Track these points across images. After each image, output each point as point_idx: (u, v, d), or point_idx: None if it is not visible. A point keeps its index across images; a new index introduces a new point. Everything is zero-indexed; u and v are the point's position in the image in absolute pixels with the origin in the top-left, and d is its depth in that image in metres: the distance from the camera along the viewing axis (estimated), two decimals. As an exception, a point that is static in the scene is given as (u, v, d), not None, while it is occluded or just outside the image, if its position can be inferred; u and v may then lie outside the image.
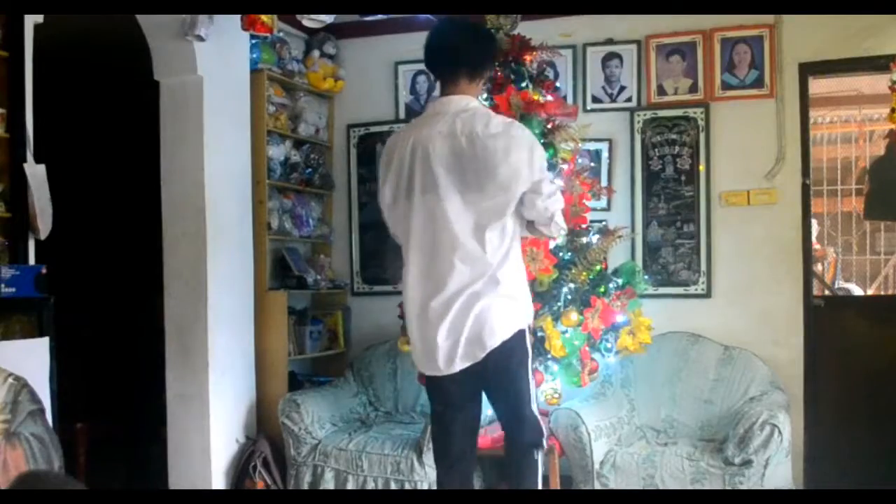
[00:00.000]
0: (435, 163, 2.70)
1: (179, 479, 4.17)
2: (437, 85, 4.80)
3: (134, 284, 5.27)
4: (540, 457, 2.87)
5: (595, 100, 4.71)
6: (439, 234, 2.72)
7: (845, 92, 5.98)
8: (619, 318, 3.83)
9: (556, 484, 3.87)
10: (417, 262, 2.79)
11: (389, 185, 2.85)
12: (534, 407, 2.86)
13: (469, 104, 2.77)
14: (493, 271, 2.70)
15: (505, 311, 2.72)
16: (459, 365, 2.73)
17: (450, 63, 2.81)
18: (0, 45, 3.23)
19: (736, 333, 4.37)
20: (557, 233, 2.93)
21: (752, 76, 4.46)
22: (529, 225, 2.84)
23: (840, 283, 6.50)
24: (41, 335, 3.16)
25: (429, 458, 3.98)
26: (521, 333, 2.78)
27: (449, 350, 2.72)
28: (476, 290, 2.69)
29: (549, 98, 3.93)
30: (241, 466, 4.25)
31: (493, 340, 2.70)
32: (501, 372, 2.77)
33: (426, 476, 3.98)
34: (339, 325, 5.05)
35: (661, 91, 4.62)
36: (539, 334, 3.66)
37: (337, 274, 5.12)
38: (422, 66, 4.93)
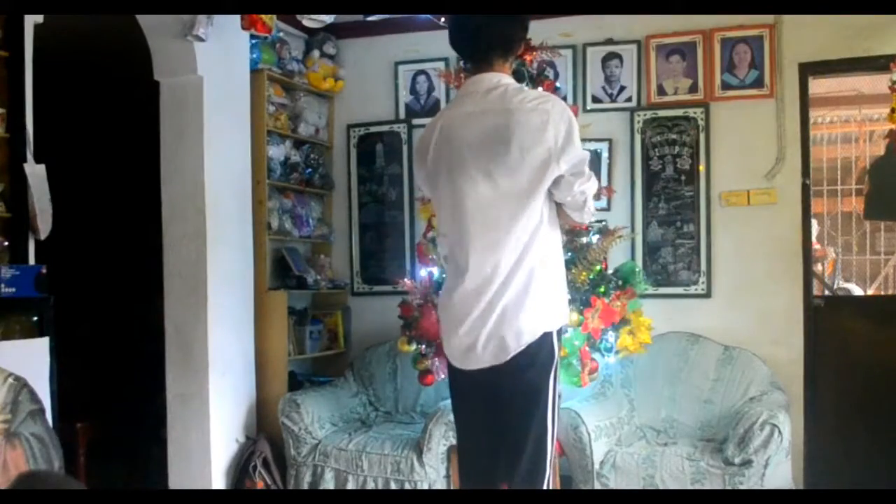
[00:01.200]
0: (461, 145, 2.49)
1: (179, 479, 4.17)
2: (440, 83, 4.95)
3: (134, 284, 5.27)
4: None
5: (595, 100, 4.71)
6: (466, 221, 2.50)
7: (845, 92, 5.97)
8: (619, 318, 3.83)
9: (556, 484, 3.87)
10: (449, 253, 2.60)
11: (422, 174, 2.67)
12: (549, 453, 2.54)
13: (501, 80, 2.53)
14: (523, 263, 2.46)
15: (532, 308, 2.47)
16: (476, 365, 2.53)
17: (481, 42, 2.55)
18: (0, 45, 3.23)
19: (736, 333, 4.37)
20: (588, 219, 2.70)
21: (752, 76, 4.46)
22: (558, 208, 2.59)
23: (840, 283, 6.50)
24: (41, 335, 3.16)
25: (429, 457, 3.98)
26: (547, 337, 2.50)
27: (467, 347, 2.52)
28: (503, 284, 2.46)
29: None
30: (241, 466, 4.25)
31: (518, 343, 2.46)
32: (519, 385, 2.50)
33: (426, 476, 3.99)
34: (339, 325, 5.05)
35: (661, 91, 4.62)
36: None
37: (337, 274, 5.12)
38: (422, 66, 5.00)
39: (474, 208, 2.48)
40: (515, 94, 2.50)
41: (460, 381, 2.66)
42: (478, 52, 2.58)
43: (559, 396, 2.65)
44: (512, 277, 2.47)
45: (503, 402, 2.56)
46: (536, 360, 2.51)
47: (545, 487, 2.57)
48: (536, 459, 2.54)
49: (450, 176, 2.53)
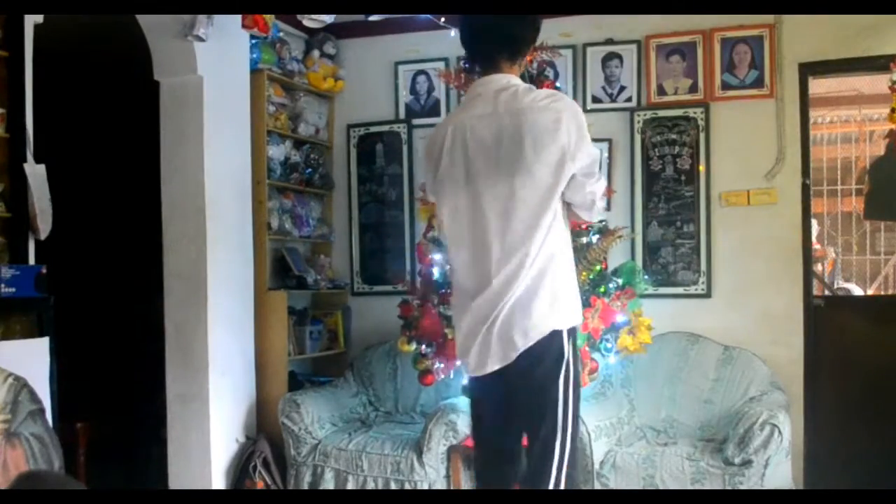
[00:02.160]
0: (477, 148, 2.48)
1: (179, 479, 4.17)
2: (440, 83, 4.94)
3: (134, 284, 5.27)
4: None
5: (595, 100, 4.71)
6: (482, 226, 2.48)
7: (845, 92, 5.97)
8: (619, 318, 3.83)
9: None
10: (463, 258, 2.56)
11: (430, 177, 2.64)
12: (567, 451, 2.49)
13: (511, 81, 2.52)
14: (537, 261, 2.45)
15: (542, 307, 2.45)
16: (491, 367, 2.50)
17: (489, 42, 2.54)
18: (0, 45, 3.23)
19: (736, 333, 4.37)
20: (596, 217, 2.72)
21: (752, 76, 4.46)
22: (567, 207, 2.58)
23: (840, 283, 6.50)
24: (41, 335, 3.16)
25: (429, 457, 3.98)
26: (556, 336, 2.48)
27: (480, 348, 2.50)
28: (519, 285, 2.44)
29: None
30: (241, 466, 4.25)
31: (526, 339, 2.44)
32: (526, 386, 2.50)
33: (426, 476, 3.99)
34: (339, 325, 5.05)
35: (661, 91, 4.62)
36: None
37: (337, 274, 5.12)
38: (422, 66, 5.00)
39: (494, 212, 2.47)
40: (526, 94, 2.49)
41: (475, 387, 2.67)
42: (486, 52, 2.58)
43: (578, 400, 2.56)
44: (526, 276, 2.46)
45: (512, 405, 2.57)
46: (543, 360, 2.49)
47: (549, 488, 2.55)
48: (542, 461, 2.52)
49: (468, 180, 2.51)
